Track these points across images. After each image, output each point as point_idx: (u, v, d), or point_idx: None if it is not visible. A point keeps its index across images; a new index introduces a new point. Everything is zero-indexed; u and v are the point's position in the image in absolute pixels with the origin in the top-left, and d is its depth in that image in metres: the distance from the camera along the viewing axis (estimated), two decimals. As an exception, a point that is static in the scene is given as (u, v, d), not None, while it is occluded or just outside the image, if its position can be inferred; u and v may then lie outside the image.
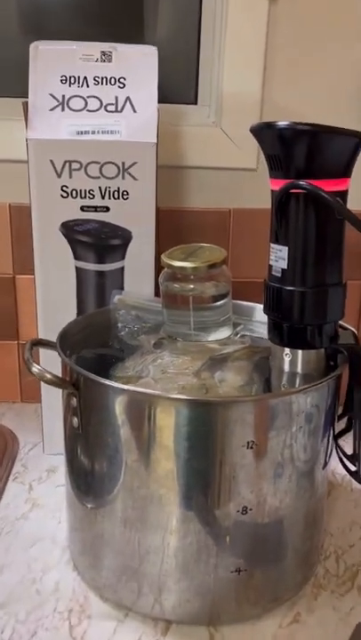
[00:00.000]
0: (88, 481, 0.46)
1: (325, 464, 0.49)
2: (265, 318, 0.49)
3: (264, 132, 0.44)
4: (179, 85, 0.75)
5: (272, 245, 0.47)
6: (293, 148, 0.42)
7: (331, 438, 0.49)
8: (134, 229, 0.60)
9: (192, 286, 0.54)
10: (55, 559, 0.53)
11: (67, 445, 0.49)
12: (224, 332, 0.56)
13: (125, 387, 0.40)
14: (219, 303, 0.55)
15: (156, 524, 0.43)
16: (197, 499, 0.41)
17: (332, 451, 0.50)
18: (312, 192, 0.41)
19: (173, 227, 0.74)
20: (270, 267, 0.47)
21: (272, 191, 0.46)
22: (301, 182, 0.42)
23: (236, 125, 0.71)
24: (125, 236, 0.61)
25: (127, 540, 0.44)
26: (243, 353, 0.54)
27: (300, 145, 0.41)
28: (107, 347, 0.56)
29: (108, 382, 0.41)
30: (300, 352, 0.48)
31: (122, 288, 0.62)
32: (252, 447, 0.40)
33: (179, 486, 0.41)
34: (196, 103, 0.75)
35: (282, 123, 0.41)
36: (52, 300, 0.62)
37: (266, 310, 0.48)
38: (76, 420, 0.45)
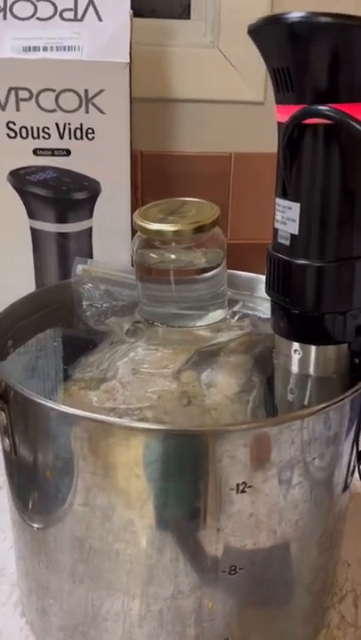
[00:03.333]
0: (27, 515, 0.35)
1: (346, 488, 0.37)
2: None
3: (266, 33, 0.30)
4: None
5: (278, 201, 0.34)
6: (310, 55, 0.28)
7: (353, 458, 0.37)
8: (104, 179, 0.47)
9: (173, 256, 0.41)
10: (2, 598, 0.42)
11: (5, 464, 0.37)
12: (217, 314, 0.44)
13: (62, 408, 0.28)
14: (209, 275, 0.42)
15: (114, 585, 0.32)
16: (168, 557, 0.30)
17: (354, 470, 0.38)
18: (339, 121, 0.28)
19: (158, 176, 0.60)
20: (275, 231, 0.34)
21: (279, 124, 0.32)
22: (322, 107, 0.28)
23: (238, 45, 0.56)
24: (92, 188, 0.47)
25: (77, 600, 0.33)
26: (240, 343, 0.42)
27: (319, 48, 0.27)
28: (67, 334, 0.44)
29: (38, 399, 0.29)
30: (313, 348, 0.35)
31: (89, 255, 0.49)
32: (243, 491, 0.29)
33: (141, 541, 0.30)
34: (188, 17, 0.60)
35: (294, 14, 0.27)
36: (4, 271, 0.49)
37: (268, 290, 0.36)
38: (7, 442, 0.33)
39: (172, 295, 0.43)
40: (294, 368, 0.36)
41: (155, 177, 0.60)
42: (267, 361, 0.41)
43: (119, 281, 0.47)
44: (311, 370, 0.36)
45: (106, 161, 0.46)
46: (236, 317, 0.46)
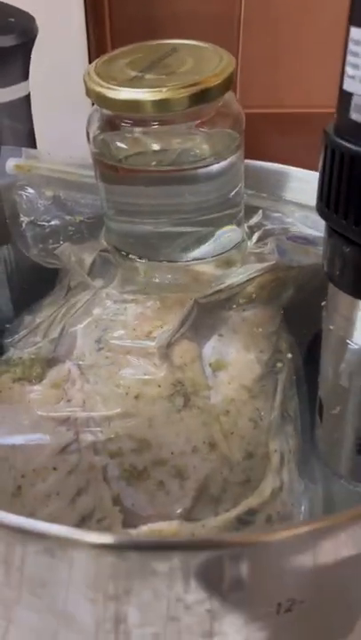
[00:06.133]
0: None
1: None
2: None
3: None
4: None
5: (355, 35, 0.17)
6: None
7: None
8: (42, 13, 0.29)
9: (156, 145, 0.25)
10: None
11: None
12: (228, 237, 0.28)
13: None
14: (215, 171, 0.26)
15: None
16: None
17: None
18: None
19: (135, 15, 0.41)
20: (345, 98, 0.18)
21: None
22: None
23: None
24: (24, 29, 0.29)
25: None
26: (261, 286, 0.27)
27: None
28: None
29: None
30: None
31: (29, 142, 0.32)
32: (289, 610, 0.16)
33: None
34: None
35: None
36: None
37: (323, 208, 0.20)
38: None
39: (155, 205, 0.27)
40: (359, 341, 0.22)
41: (130, 17, 0.41)
42: (302, 314, 0.27)
43: (76, 182, 0.31)
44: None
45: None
46: (255, 238, 0.30)
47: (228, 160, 0.26)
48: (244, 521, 0.21)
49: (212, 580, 0.14)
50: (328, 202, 0.20)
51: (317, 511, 0.25)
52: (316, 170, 0.37)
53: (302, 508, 0.24)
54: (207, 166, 0.26)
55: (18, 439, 0.21)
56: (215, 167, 0.26)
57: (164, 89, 0.22)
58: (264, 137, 0.41)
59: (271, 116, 0.47)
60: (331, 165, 0.19)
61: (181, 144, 0.25)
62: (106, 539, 0.13)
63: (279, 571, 0.14)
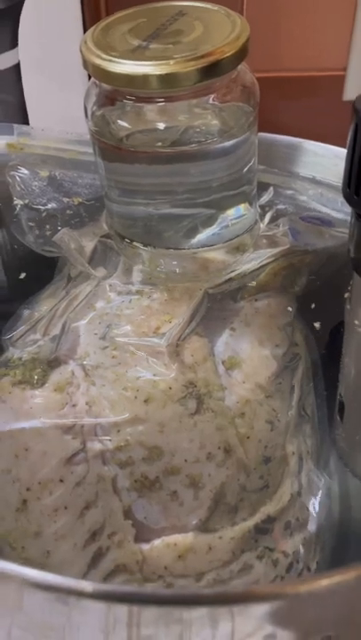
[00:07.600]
0: None
1: None
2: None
3: None
4: None
5: None
6: None
7: None
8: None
9: (162, 124, 0.22)
10: None
11: None
12: (240, 221, 0.26)
13: None
14: (228, 146, 0.24)
15: None
16: None
17: None
18: None
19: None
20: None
21: None
22: None
23: None
24: (11, -10, 0.27)
25: None
26: (274, 272, 0.25)
27: None
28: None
29: None
30: None
31: (20, 117, 0.29)
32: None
33: None
34: None
35: None
36: None
37: (349, 194, 0.18)
38: None
39: (160, 184, 0.25)
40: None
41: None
42: (317, 301, 0.25)
43: (73, 160, 0.29)
44: None
45: None
46: (267, 219, 0.28)
47: (240, 138, 0.24)
48: (261, 529, 0.20)
49: (243, 625, 0.12)
50: (358, 188, 0.18)
51: (334, 507, 0.24)
52: (327, 141, 0.34)
53: (318, 502, 0.23)
54: (217, 144, 0.23)
55: (21, 449, 0.19)
56: (227, 143, 0.24)
57: (172, 61, 0.20)
58: (268, 103, 0.38)
59: (274, 81, 0.44)
60: (355, 149, 0.17)
61: (189, 120, 0.23)
62: (122, 590, 0.12)
63: (318, 615, 0.13)
